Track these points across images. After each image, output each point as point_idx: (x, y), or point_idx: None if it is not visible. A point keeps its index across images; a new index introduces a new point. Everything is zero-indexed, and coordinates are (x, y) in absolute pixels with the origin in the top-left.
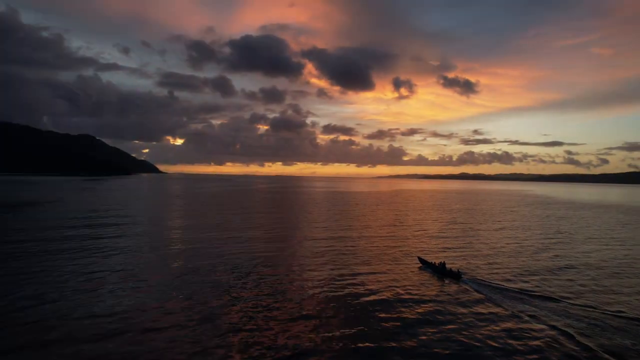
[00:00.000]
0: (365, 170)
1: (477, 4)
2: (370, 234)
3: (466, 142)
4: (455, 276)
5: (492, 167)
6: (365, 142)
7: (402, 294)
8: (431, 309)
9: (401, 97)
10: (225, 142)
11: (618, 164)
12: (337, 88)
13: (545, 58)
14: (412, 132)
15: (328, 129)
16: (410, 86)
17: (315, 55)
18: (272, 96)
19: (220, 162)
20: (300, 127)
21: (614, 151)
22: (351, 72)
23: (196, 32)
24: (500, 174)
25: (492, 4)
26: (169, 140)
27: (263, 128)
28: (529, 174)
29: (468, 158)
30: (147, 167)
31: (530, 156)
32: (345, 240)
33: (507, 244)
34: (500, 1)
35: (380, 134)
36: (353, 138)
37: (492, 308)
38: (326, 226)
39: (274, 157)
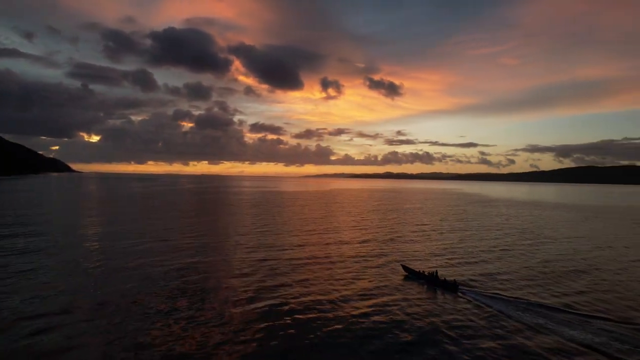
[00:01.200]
0: (293, 169)
1: (401, 10)
2: (334, 238)
3: (390, 142)
4: (451, 287)
5: (415, 167)
6: (293, 142)
7: (394, 312)
8: (438, 328)
9: (329, 98)
10: (146, 140)
11: (522, 163)
12: (265, 86)
13: (462, 65)
14: (339, 132)
15: (256, 127)
16: (337, 87)
17: (242, 51)
18: (198, 92)
19: (142, 161)
20: (227, 125)
21: (519, 152)
22: (279, 70)
23: (114, 21)
24: (422, 173)
25: (415, 11)
26: (83, 136)
27: (188, 125)
28: (447, 173)
29: (392, 158)
30: (57, 165)
31: (449, 156)
32: (307, 246)
33: (483, 247)
34: (422, 9)
35: (308, 134)
36: (281, 137)
37: (507, 323)
38: (280, 230)
39: (199, 155)
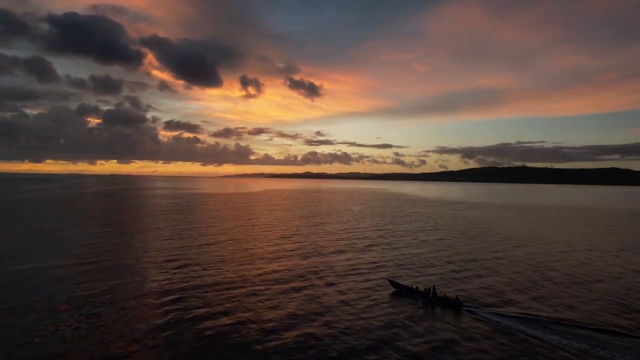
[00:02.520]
0: (211, 169)
1: (320, 13)
2: (297, 250)
3: (310, 142)
4: (454, 305)
5: (333, 167)
6: (211, 140)
7: (393, 335)
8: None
9: (249, 96)
10: (44, 136)
11: (433, 164)
12: (181, 82)
13: (377, 69)
14: (258, 131)
15: (171, 125)
16: (257, 85)
17: (156, 44)
18: (106, 86)
19: (38, 159)
20: (139, 122)
21: (429, 153)
22: (197, 66)
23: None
24: (341, 173)
25: (332, 14)
26: None
27: (94, 121)
28: (365, 173)
29: (312, 158)
30: None
31: (366, 157)
32: (275, 261)
33: (466, 256)
34: (339, 13)
35: (226, 133)
36: (198, 136)
37: (536, 346)
38: (227, 238)
39: (107, 154)
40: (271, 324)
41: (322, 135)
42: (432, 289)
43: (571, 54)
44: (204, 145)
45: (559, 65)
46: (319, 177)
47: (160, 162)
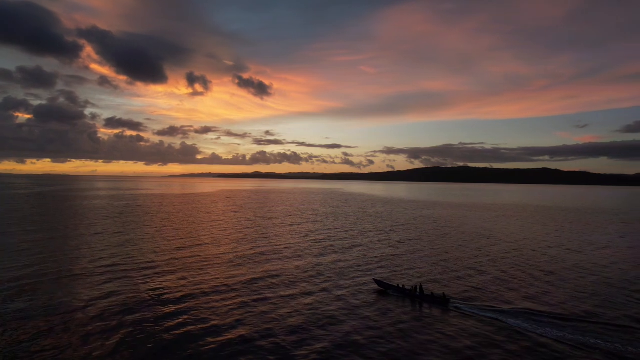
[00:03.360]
0: (156, 168)
1: (270, 12)
2: (278, 251)
3: (259, 142)
4: (441, 302)
5: (283, 167)
6: (156, 139)
7: (382, 332)
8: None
9: (195, 94)
10: None
11: (380, 164)
12: (123, 77)
13: (327, 70)
14: (206, 130)
15: (112, 122)
16: (205, 83)
17: (95, 36)
18: (37, 79)
19: None
20: (76, 118)
21: (377, 154)
22: (140, 61)
23: None
24: (290, 172)
25: (283, 14)
26: None
27: (24, 117)
28: (314, 173)
29: (261, 157)
30: None
31: (315, 157)
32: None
33: (444, 255)
34: (290, 13)
35: (172, 131)
36: (142, 134)
37: (522, 336)
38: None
39: (39, 152)
40: (260, 327)
41: (271, 134)
42: (418, 287)
43: (508, 61)
44: (148, 144)
45: (497, 71)
46: (268, 176)
47: (100, 161)
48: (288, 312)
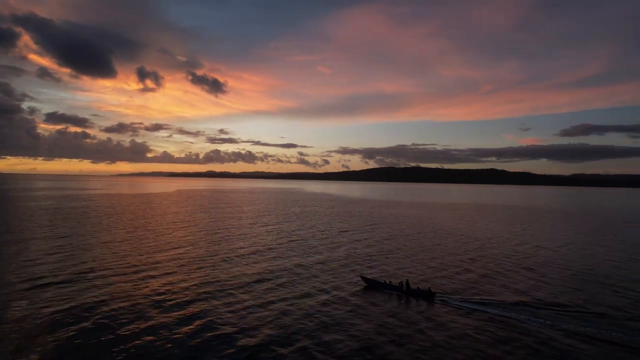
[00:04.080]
0: (103, 167)
1: (229, 9)
2: (264, 251)
3: (213, 140)
4: (427, 296)
5: (237, 166)
6: (103, 136)
7: (369, 327)
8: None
9: (146, 90)
10: None
11: (335, 164)
12: (66, 70)
13: (283, 69)
14: (157, 127)
15: (54, 117)
16: (156, 79)
17: (34, 25)
18: None
19: None
20: (12, 112)
21: (332, 154)
22: (86, 53)
23: None
24: (245, 172)
25: (239, 11)
26: None
27: None
28: (269, 172)
29: (214, 156)
30: None
31: (270, 156)
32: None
33: (422, 252)
34: (246, 10)
35: (121, 128)
36: (87, 130)
37: (505, 326)
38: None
39: None
40: (246, 327)
41: (225, 133)
42: (405, 283)
43: (459, 65)
44: (95, 141)
45: (449, 75)
46: (222, 176)
47: (40, 158)
48: (277, 310)
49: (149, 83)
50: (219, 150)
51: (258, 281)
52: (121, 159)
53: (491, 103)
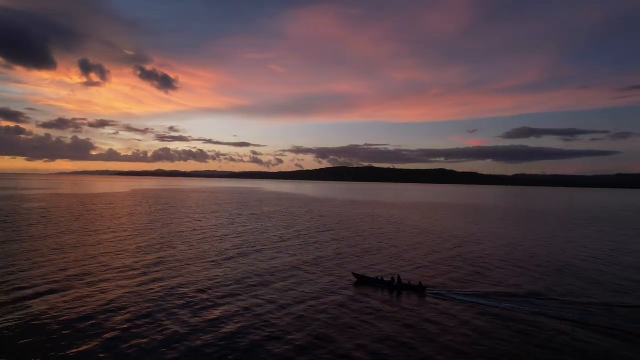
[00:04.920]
0: (41, 165)
1: (181, 2)
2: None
3: (162, 138)
4: (418, 290)
5: (188, 164)
6: (41, 132)
7: (361, 321)
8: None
9: (90, 84)
10: None
11: (289, 163)
12: None
13: (236, 67)
14: (102, 124)
15: None
16: (102, 72)
17: None
18: None
19: None
20: None
21: (286, 153)
22: (20, 41)
23: None
24: (196, 171)
25: (191, 6)
26: None
27: None
28: (221, 172)
29: (164, 155)
30: None
31: (223, 155)
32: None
33: (405, 249)
34: (200, 5)
35: (61, 124)
36: (22, 125)
37: (495, 316)
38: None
39: None
40: (243, 325)
41: (176, 131)
42: (396, 278)
43: (409, 68)
44: (31, 137)
45: (399, 77)
46: (172, 175)
47: None
48: (271, 308)
49: (94, 77)
50: (169, 149)
51: (253, 281)
52: (62, 157)
53: (440, 106)
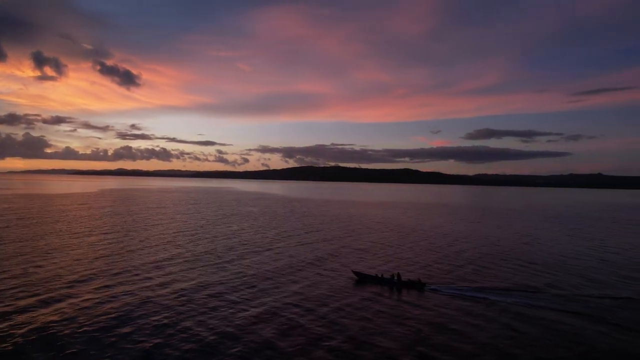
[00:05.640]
0: None
1: None
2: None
3: (123, 136)
4: (417, 286)
5: (151, 163)
6: None
7: (363, 316)
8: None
9: (45, 78)
10: None
11: (255, 162)
12: None
13: (201, 64)
14: (58, 120)
15: None
16: (57, 66)
17: None
18: None
19: None
20: None
21: (252, 152)
22: None
23: None
24: (159, 170)
25: (157, 1)
26: None
27: None
28: (186, 171)
29: (125, 153)
30: None
31: (187, 154)
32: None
33: (395, 249)
34: (165, 1)
35: (12, 119)
36: None
37: (493, 310)
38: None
39: None
40: (240, 325)
41: (138, 128)
42: (396, 275)
43: (375, 69)
44: None
45: (365, 78)
46: (134, 174)
47: None
48: (273, 305)
49: (48, 71)
50: (131, 147)
51: (250, 280)
52: (12, 155)
53: (404, 106)
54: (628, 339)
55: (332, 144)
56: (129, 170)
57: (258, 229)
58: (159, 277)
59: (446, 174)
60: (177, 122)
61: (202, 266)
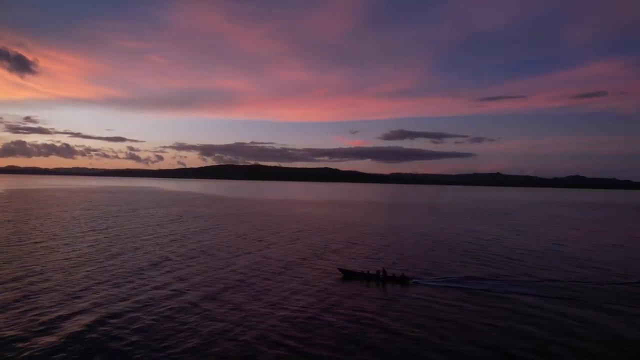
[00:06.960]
0: None
1: None
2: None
3: (16, 129)
4: (401, 281)
5: (50, 160)
6: None
7: (350, 310)
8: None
9: None
10: None
11: (170, 160)
12: None
13: (109, 54)
14: None
15: None
16: None
17: None
18: None
19: None
20: None
21: (167, 149)
22: None
23: None
24: (61, 168)
25: None
26: None
27: None
28: (92, 169)
29: (18, 149)
30: None
31: (94, 150)
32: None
33: (380, 241)
34: None
35: None
36: None
37: (471, 299)
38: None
39: None
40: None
41: (34, 121)
42: (382, 271)
43: (295, 68)
44: None
45: (285, 77)
46: (29, 172)
47: None
48: (259, 308)
49: None
50: (25, 142)
51: (240, 281)
52: None
53: (324, 107)
54: (582, 315)
55: (252, 142)
56: (22, 168)
57: (223, 231)
58: (88, 300)
59: (364, 173)
60: (81, 115)
61: (161, 271)
